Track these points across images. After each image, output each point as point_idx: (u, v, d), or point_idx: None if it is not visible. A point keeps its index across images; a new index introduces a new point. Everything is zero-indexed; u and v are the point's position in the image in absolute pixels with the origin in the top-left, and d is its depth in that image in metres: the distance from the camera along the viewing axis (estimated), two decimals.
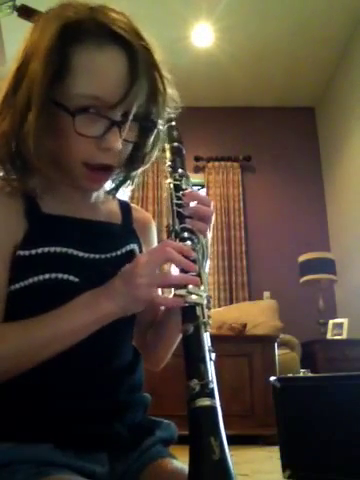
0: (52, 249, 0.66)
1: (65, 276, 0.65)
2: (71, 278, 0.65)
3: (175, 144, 0.74)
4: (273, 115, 5.32)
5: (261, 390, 2.72)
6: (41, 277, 0.63)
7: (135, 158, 0.73)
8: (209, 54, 4.53)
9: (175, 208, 0.65)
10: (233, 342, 3.08)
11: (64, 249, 0.67)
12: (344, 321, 4.12)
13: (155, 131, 0.72)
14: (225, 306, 4.53)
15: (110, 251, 0.72)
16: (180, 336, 0.74)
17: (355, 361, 3.61)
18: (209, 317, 0.57)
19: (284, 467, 1.73)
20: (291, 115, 5.35)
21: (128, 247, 0.74)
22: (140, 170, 0.78)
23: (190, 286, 0.58)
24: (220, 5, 3.93)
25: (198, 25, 4.24)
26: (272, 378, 1.92)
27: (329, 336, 4.09)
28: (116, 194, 0.81)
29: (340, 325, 4.10)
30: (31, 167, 0.66)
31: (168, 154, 0.74)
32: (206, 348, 0.54)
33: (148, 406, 0.75)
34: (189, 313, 0.57)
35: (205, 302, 0.58)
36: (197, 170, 5.29)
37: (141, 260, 0.60)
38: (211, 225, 0.67)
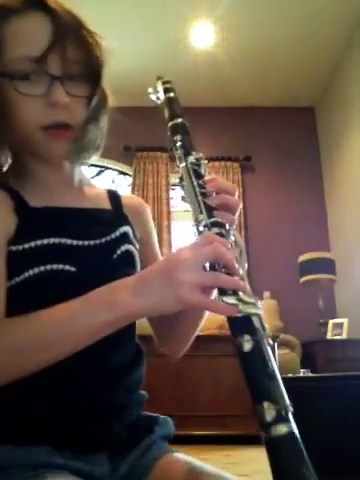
0: (45, 241, 0.65)
1: (60, 266, 0.64)
2: (67, 268, 0.64)
3: (179, 120, 0.67)
4: (273, 115, 5.32)
5: None
6: (36, 270, 0.62)
7: (91, 117, 0.69)
8: (209, 54, 4.53)
9: (200, 198, 0.58)
10: (233, 342, 3.08)
11: (57, 240, 0.66)
12: (344, 321, 4.12)
13: (101, 84, 0.69)
14: None
15: (103, 236, 0.71)
16: (198, 326, 0.72)
17: (355, 361, 3.60)
18: (264, 329, 0.51)
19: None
20: (291, 115, 5.35)
21: (121, 229, 0.73)
22: (99, 133, 0.72)
23: (241, 293, 0.51)
24: (220, 5, 3.93)
25: (198, 25, 4.24)
26: None
27: (329, 336, 4.09)
28: (88, 161, 0.75)
29: (340, 325, 4.10)
30: None
31: (173, 133, 0.65)
32: (274, 364, 0.48)
33: (143, 403, 0.73)
34: (245, 325, 0.50)
35: (261, 311, 0.52)
36: None
37: (185, 253, 0.52)
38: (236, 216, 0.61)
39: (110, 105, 0.73)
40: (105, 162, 5.15)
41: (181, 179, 0.63)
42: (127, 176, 5.36)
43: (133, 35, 4.38)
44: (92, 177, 5.23)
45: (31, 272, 0.62)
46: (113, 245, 0.70)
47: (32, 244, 0.64)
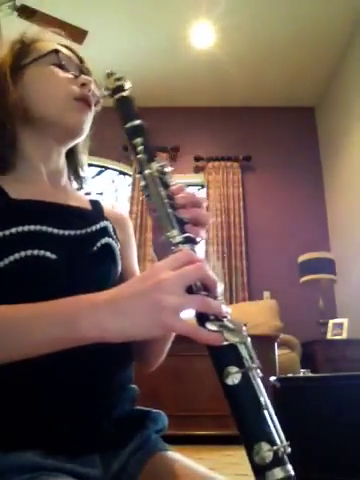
0: (25, 228, 0.64)
1: (41, 252, 0.63)
2: (48, 254, 0.64)
3: (137, 122, 0.61)
4: (273, 115, 5.32)
5: None
6: (17, 255, 0.62)
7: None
8: (209, 54, 4.53)
9: (171, 211, 0.54)
10: None
11: (37, 227, 0.66)
12: (344, 321, 4.12)
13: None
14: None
15: (83, 228, 0.71)
16: (170, 342, 0.71)
17: (355, 361, 3.60)
18: (253, 358, 0.46)
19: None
20: (291, 115, 5.35)
21: (101, 224, 0.74)
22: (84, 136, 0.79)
23: (225, 319, 0.46)
24: (220, 5, 3.93)
25: (198, 25, 4.24)
26: (272, 378, 1.92)
27: (329, 336, 4.09)
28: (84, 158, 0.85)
29: (340, 325, 4.10)
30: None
31: (132, 136, 0.60)
32: (266, 398, 0.44)
33: (136, 398, 0.72)
34: (231, 355, 0.45)
35: (248, 340, 0.47)
36: (197, 170, 5.29)
37: (166, 273, 0.47)
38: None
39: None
40: (105, 162, 5.15)
41: (145, 188, 0.57)
42: (127, 176, 5.36)
43: (133, 36, 4.38)
44: (92, 177, 5.23)
45: (11, 258, 0.62)
46: (93, 237, 0.71)
47: (13, 230, 0.64)
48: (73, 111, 0.74)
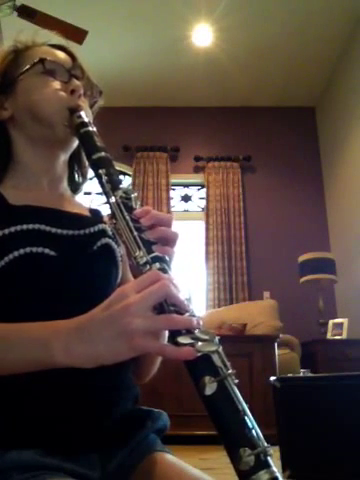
0: (24, 227, 0.65)
1: (40, 249, 0.64)
2: (47, 251, 0.65)
3: (102, 154, 0.64)
4: (273, 115, 5.32)
5: (261, 390, 2.72)
6: (16, 253, 0.63)
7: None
8: (209, 54, 4.53)
9: (136, 234, 0.55)
10: (233, 342, 3.09)
11: (36, 225, 0.67)
12: (344, 321, 4.12)
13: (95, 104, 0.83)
14: (225, 306, 4.53)
15: (82, 228, 0.72)
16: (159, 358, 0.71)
17: (355, 361, 3.60)
18: (227, 366, 0.46)
19: (284, 467, 1.73)
20: (291, 115, 5.35)
21: (100, 226, 0.75)
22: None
23: (196, 331, 0.47)
24: (220, 5, 3.93)
25: (198, 25, 4.24)
26: (272, 378, 1.92)
27: (329, 336, 4.09)
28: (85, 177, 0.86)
29: (340, 325, 4.10)
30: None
31: (97, 167, 0.63)
32: (243, 403, 0.45)
33: (138, 397, 0.72)
34: (205, 365, 0.45)
35: (220, 348, 0.47)
36: (197, 170, 5.29)
37: (131, 296, 0.47)
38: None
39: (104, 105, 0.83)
40: None
41: (112, 216, 0.59)
42: (127, 176, 5.36)
43: (133, 36, 4.38)
44: (91, 178, 5.22)
45: (11, 256, 0.63)
46: (92, 237, 0.72)
47: (12, 229, 0.65)
48: (63, 125, 0.73)
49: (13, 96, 0.76)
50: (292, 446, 1.68)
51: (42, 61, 0.75)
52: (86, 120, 0.70)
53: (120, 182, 0.62)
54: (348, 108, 4.56)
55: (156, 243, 0.55)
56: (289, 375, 2.18)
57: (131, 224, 0.56)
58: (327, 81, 5.00)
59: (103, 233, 0.74)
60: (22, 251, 0.63)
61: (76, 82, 0.75)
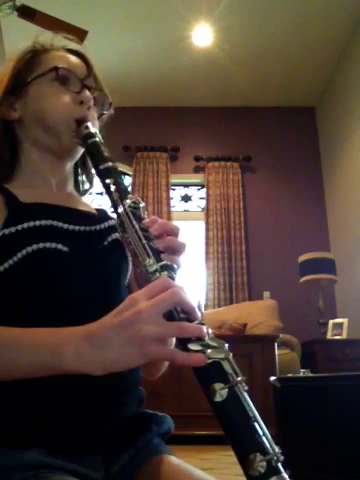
0: (37, 223, 0.67)
1: (53, 245, 0.65)
2: (60, 247, 0.66)
3: (110, 164, 0.65)
4: (273, 115, 5.32)
5: (261, 390, 2.72)
6: (29, 249, 0.64)
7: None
8: (209, 54, 4.53)
9: (145, 242, 0.56)
10: (233, 342, 3.05)
11: (49, 222, 0.68)
12: (344, 321, 4.12)
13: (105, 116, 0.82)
14: (225, 306, 4.53)
15: (93, 225, 0.74)
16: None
17: (355, 361, 3.60)
18: (237, 373, 0.47)
19: (284, 467, 1.73)
20: (291, 115, 5.35)
21: (109, 222, 0.76)
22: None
23: (206, 338, 0.48)
24: (220, 5, 3.93)
25: (198, 25, 4.24)
26: (272, 378, 1.92)
27: (329, 336, 4.09)
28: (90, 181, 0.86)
29: (340, 325, 4.10)
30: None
31: (104, 177, 0.64)
32: (254, 410, 0.45)
33: (143, 400, 0.72)
34: (216, 372, 0.46)
35: (231, 355, 0.48)
36: (197, 170, 5.30)
37: (142, 302, 0.48)
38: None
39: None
40: None
41: (120, 225, 0.59)
42: (127, 176, 5.36)
43: (133, 36, 4.38)
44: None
45: (23, 252, 0.63)
46: (103, 233, 0.74)
47: (25, 225, 0.66)
48: (69, 134, 0.74)
49: (24, 99, 0.76)
50: (292, 446, 1.68)
51: (56, 69, 0.75)
52: (93, 131, 0.70)
53: (128, 192, 0.62)
54: (348, 108, 4.56)
55: (164, 252, 0.56)
56: (289, 375, 2.18)
57: (140, 233, 0.57)
58: (327, 81, 5.00)
59: (113, 229, 0.75)
60: (35, 247, 0.64)
61: (87, 93, 0.75)
